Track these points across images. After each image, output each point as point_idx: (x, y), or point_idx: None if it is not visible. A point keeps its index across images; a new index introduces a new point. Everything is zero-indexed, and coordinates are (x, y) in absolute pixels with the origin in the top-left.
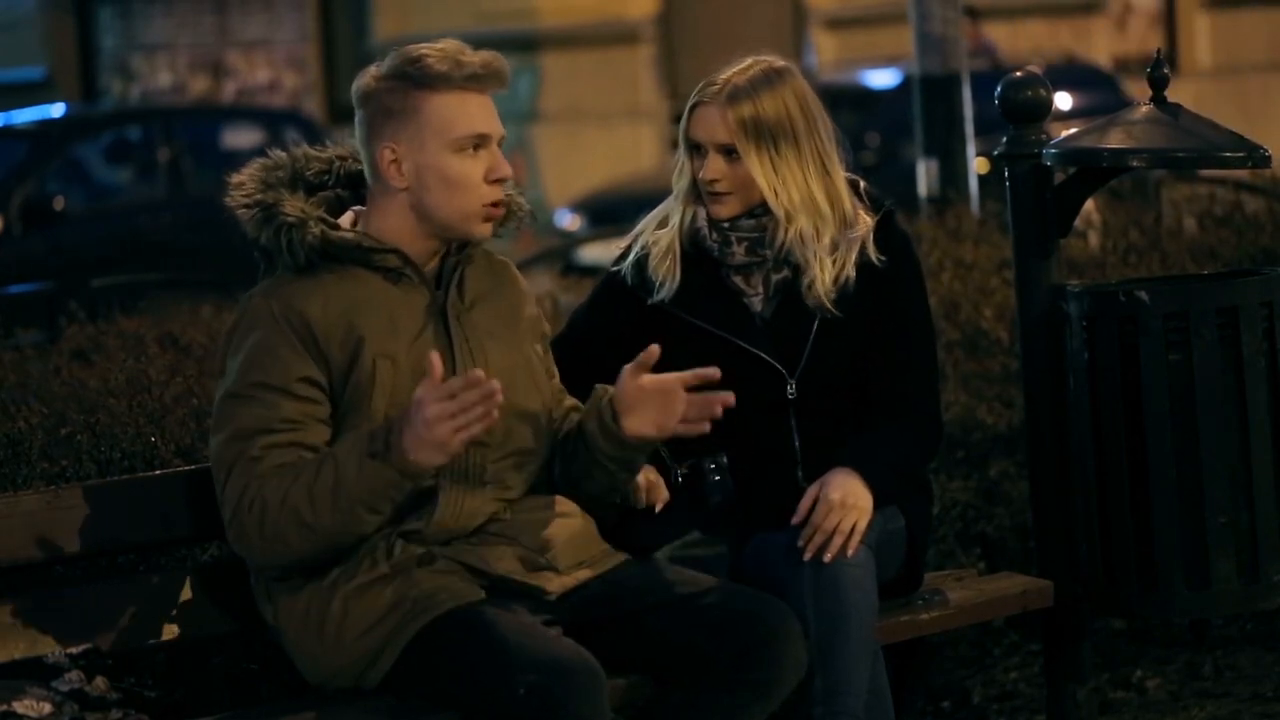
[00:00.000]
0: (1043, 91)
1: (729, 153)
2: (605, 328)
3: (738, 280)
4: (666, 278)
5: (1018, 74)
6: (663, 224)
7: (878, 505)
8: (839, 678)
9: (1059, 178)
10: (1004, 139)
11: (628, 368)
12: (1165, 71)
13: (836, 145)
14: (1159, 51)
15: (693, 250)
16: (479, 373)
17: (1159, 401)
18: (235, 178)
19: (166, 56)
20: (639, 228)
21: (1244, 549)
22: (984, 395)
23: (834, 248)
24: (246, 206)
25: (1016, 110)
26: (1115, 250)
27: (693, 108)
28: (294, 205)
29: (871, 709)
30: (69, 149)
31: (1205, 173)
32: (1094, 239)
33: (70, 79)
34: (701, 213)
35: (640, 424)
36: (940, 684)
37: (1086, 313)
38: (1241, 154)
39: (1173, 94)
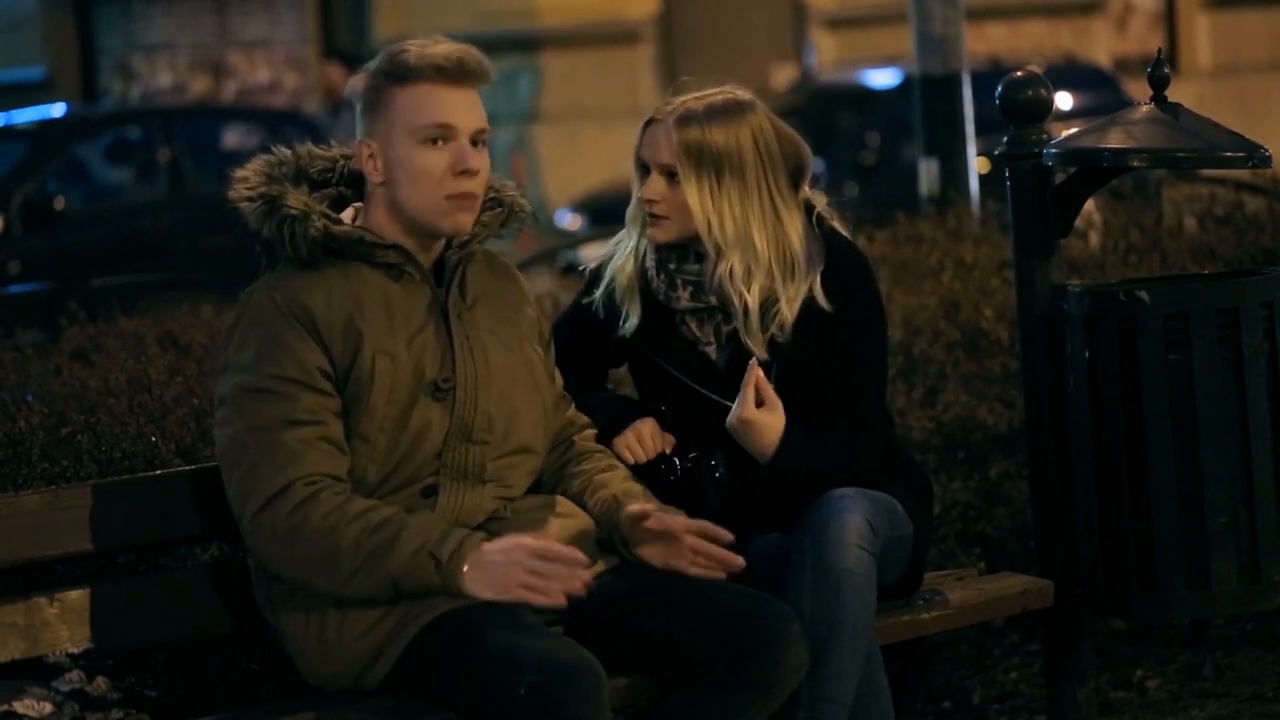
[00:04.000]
0: (1043, 91)
1: (671, 175)
2: (584, 347)
3: (692, 326)
4: (630, 313)
5: (1018, 74)
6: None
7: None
8: (827, 685)
9: (1059, 178)
10: (1004, 139)
11: (624, 516)
12: (1165, 71)
13: (796, 184)
14: (1159, 51)
15: (647, 288)
16: (580, 555)
17: (1159, 401)
18: (239, 172)
19: (166, 56)
20: (605, 253)
21: (1244, 549)
22: (984, 395)
23: (767, 293)
24: (250, 200)
25: (1017, 110)
26: (1115, 250)
27: (645, 126)
28: (297, 199)
29: (871, 710)
30: (69, 149)
31: (1205, 173)
32: (1094, 239)
33: (70, 79)
34: (650, 251)
35: (649, 554)
36: (940, 684)
37: (1086, 313)
38: (1242, 154)
39: (1173, 94)
